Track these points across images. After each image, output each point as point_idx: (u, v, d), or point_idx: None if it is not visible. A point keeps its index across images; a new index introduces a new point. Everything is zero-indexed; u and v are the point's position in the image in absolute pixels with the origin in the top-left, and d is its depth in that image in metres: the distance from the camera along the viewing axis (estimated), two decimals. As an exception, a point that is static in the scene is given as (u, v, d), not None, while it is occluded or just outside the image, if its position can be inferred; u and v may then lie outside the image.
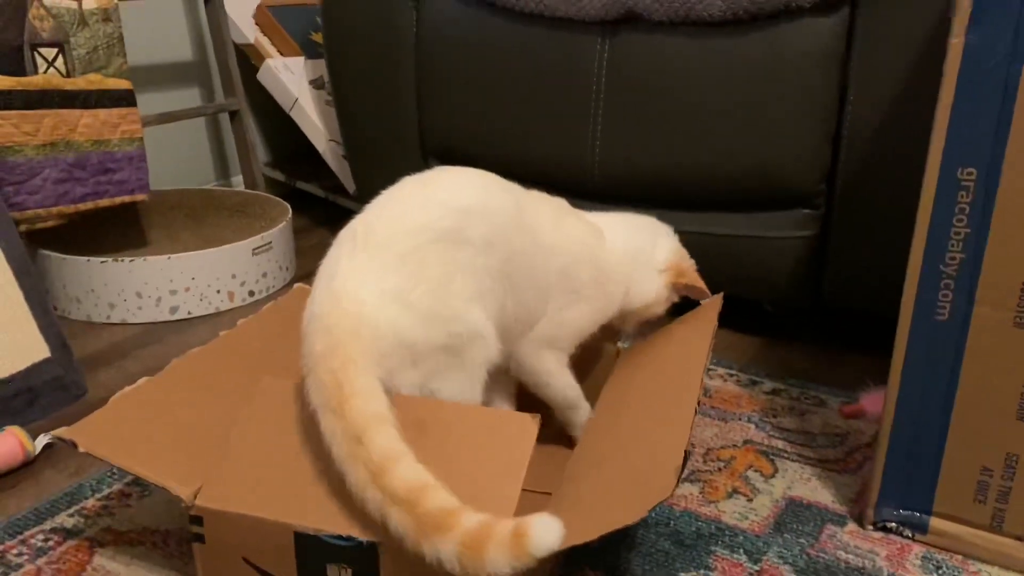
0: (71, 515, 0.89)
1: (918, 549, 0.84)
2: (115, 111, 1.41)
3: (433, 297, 0.74)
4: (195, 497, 0.72)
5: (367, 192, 1.59)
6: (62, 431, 0.76)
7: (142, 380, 0.85)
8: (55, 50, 1.35)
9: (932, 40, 1.06)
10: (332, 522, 0.68)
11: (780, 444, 1.02)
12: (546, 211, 0.88)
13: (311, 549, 0.69)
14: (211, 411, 0.82)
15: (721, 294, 0.94)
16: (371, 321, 0.71)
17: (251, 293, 1.45)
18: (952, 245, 0.76)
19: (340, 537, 0.67)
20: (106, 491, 0.93)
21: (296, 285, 1.06)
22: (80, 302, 1.37)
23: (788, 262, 1.22)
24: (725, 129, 1.18)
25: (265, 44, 1.81)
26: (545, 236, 0.85)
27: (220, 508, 0.71)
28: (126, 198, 1.43)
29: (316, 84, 1.78)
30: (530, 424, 0.71)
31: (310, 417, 0.74)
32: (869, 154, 1.03)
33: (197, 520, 0.73)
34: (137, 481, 0.94)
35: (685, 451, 0.64)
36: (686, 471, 0.88)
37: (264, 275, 1.47)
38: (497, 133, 1.37)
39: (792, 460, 0.99)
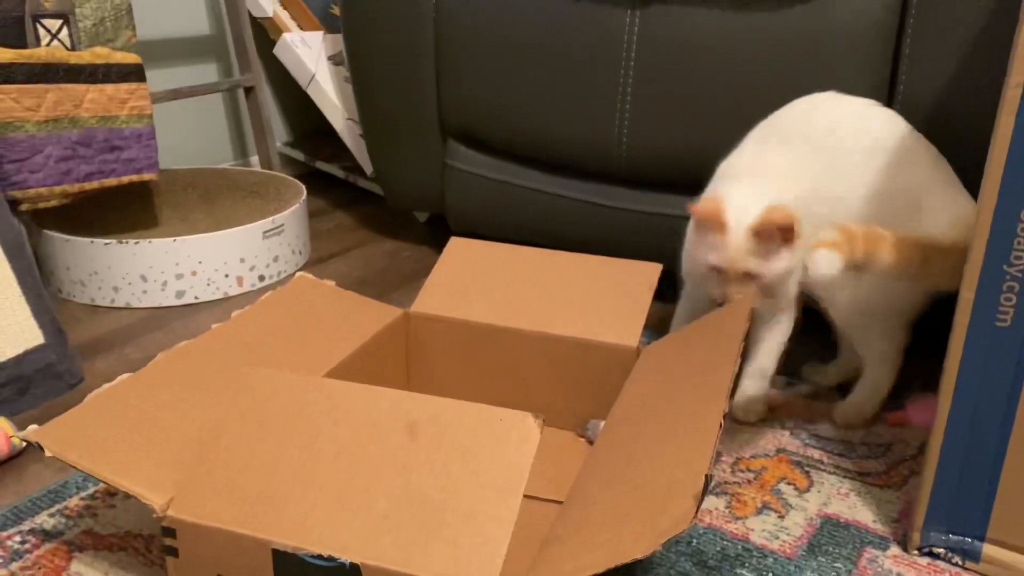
0: (52, 515, 0.84)
1: (969, 579, 0.76)
2: (123, 86, 1.36)
3: None
4: (168, 507, 0.66)
5: (383, 173, 1.54)
6: (29, 432, 0.70)
7: (122, 377, 0.79)
8: (59, 21, 1.30)
9: (991, 12, 0.97)
10: (313, 540, 0.62)
11: (816, 454, 0.94)
12: None
13: (290, 568, 0.63)
14: (195, 411, 0.76)
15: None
16: None
17: (261, 278, 1.40)
18: (1018, 243, 0.67)
19: (321, 557, 0.61)
20: (91, 489, 0.88)
21: (298, 274, 0.99)
22: (84, 285, 1.33)
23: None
24: (764, 109, 1.09)
25: (284, 17, 1.74)
26: None
27: (194, 520, 0.65)
28: (134, 177, 1.38)
29: (335, 60, 1.71)
30: (532, 425, 0.63)
31: (296, 412, 0.68)
32: (923, 135, 0.94)
33: (170, 532, 0.67)
34: (123, 481, 0.89)
35: (706, 476, 0.56)
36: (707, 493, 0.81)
37: (275, 259, 1.41)
38: (519, 112, 1.30)
39: (829, 472, 0.91)
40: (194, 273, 1.33)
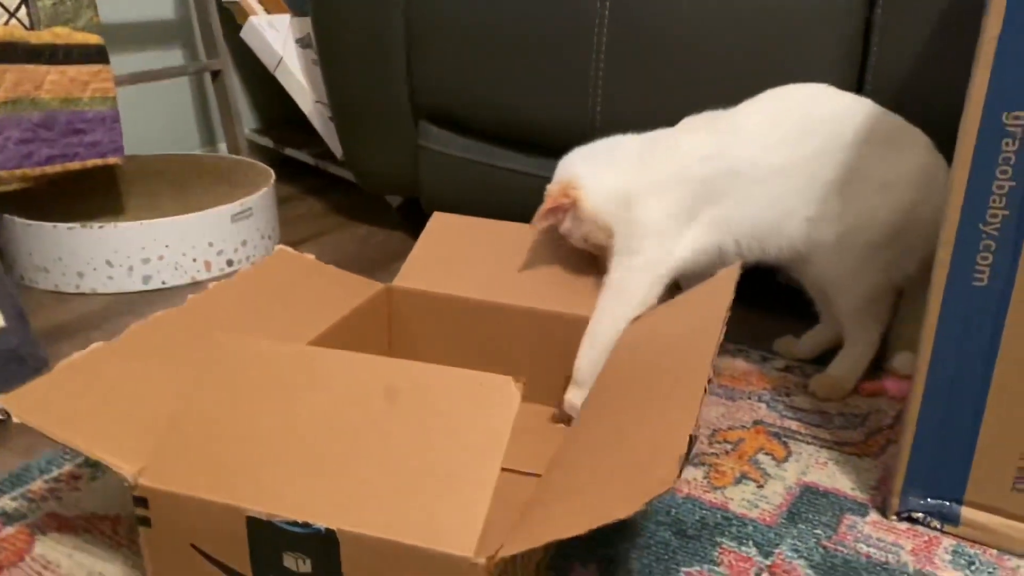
0: (14, 498, 0.81)
1: (948, 542, 0.76)
2: (85, 68, 1.32)
3: None
4: (140, 475, 0.64)
5: (354, 157, 1.52)
6: None
7: (95, 345, 0.76)
8: (17, 0, 1.27)
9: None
10: (289, 506, 0.60)
11: (793, 425, 0.94)
12: None
13: (265, 536, 0.61)
14: (168, 381, 0.73)
15: (739, 263, 0.85)
16: None
17: (229, 262, 1.37)
18: (994, 201, 0.67)
19: (296, 523, 0.59)
20: (55, 472, 0.85)
21: (278, 247, 0.97)
22: (47, 271, 1.29)
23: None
24: (738, 84, 1.09)
25: (252, 1, 1.71)
26: None
27: (166, 488, 0.63)
28: (98, 161, 1.35)
29: (303, 43, 1.68)
30: (512, 389, 0.62)
31: (271, 379, 0.66)
32: (894, 108, 0.94)
33: (142, 502, 0.65)
34: (90, 461, 0.86)
35: (690, 436, 0.55)
36: (691, 456, 0.80)
37: (244, 243, 1.38)
38: (492, 92, 1.28)
39: (807, 443, 0.91)
40: (161, 258, 1.30)
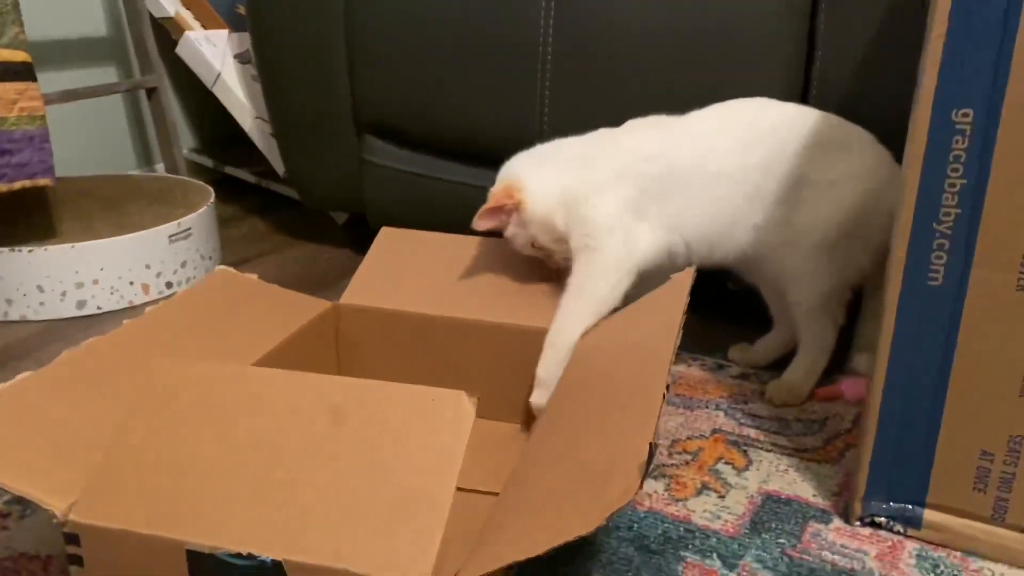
0: (-64, 540, 0.76)
1: (912, 546, 0.75)
2: (11, 85, 1.27)
3: None
4: (69, 511, 0.60)
5: (297, 173, 1.48)
6: None
7: (23, 375, 0.72)
8: (-63, 16, 1.21)
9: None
10: (232, 537, 0.56)
11: (752, 433, 0.93)
12: None
13: (207, 570, 0.57)
14: (103, 411, 0.69)
15: (693, 267, 0.83)
16: None
17: (168, 285, 1.32)
18: (947, 199, 0.67)
19: (240, 555, 0.56)
20: (-19, 510, 0.80)
21: (218, 267, 0.93)
22: (-27, 298, 1.23)
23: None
24: (683, 91, 1.09)
25: (187, 17, 1.67)
26: None
27: (99, 523, 0.59)
28: (27, 183, 1.29)
29: (242, 58, 1.64)
30: (466, 404, 0.59)
31: (209, 403, 0.63)
32: (840, 114, 0.94)
33: (73, 539, 0.60)
34: (20, 499, 0.81)
35: (650, 444, 0.53)
36: (651, 468, 0.78)
37: (183, 265, 1.34)
38: (436, 104, 1.26)
39: (766, 450, 0.90)
40: (96, 281, 1.25)
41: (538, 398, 0.86)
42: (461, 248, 0.99)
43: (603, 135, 0.97)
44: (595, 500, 0.53)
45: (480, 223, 0.92)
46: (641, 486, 0.51)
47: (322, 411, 0.61)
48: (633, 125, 0.97)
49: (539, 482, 0.61)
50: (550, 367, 0.85)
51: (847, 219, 0.90)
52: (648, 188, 0.91)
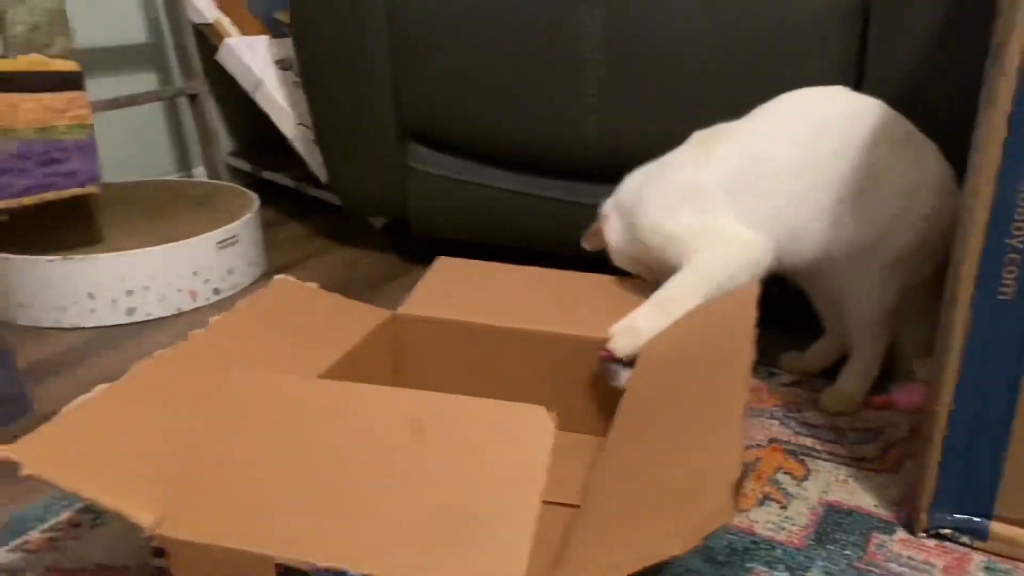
0: (12, 551, 0.77)
1: (979, 558, 0.75)
2: (61, 95, 1.28)
3: None
4: (158, 525, 0.61)
5: (340, 179, 1.49)
6: (2, 450, 0.64)
7: (99, 387, 0.72)
8: (-11, 27, 1.22)
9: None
10: (321, 552, 0.57)
11: (808, 442, 0.93)
12: None
13: (295, 586, 0.58)
14: (179, 422, 0.70)
15: (756, 279, 0.83)
16: None
17: (216, 291, 1.33)
18: (1019, 214, 0.67)
19: (332, 571, 0.57)
20: (52, 521, 0.81)
21: (277, 277, 0.94)
22: (26, 306, 1.25)
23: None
24: (734, 95, 1.08)
25: (226, 24, 1.68)
26: None
27: (187, 538, 0.60)
28: (76, 191, 1.30)
29: (283, 65, 1.65)
30: (546, 418, 0.60)
31: (288, 416, 0.64)
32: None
33: (159, 553, 0.61)
34: (89, 507, 0.82)
35: (744, 463, 0.53)
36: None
37: (230, 271, 1.35)
38: (482, 109, 1.27)
39: (823, 459, 0.90)
40: (145, 288, 1.26)
41: (623, 343, 0.85)
42: (517, 277, 1.02)
43: (682, 151, 0.99)
44: (684, 519, 0.53)
45: (587, 243, 1.00)
46: (736, 505, 0.51)
47: (402, 425, 0.62)
48: (701, 138, 0.97)
49: (620, 497, 0.62)
50: (649, 318, 0.86)
51: (919, 239, 0.90)
52: (731, 189, 0.93)
